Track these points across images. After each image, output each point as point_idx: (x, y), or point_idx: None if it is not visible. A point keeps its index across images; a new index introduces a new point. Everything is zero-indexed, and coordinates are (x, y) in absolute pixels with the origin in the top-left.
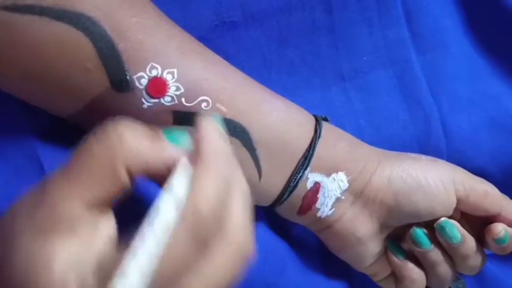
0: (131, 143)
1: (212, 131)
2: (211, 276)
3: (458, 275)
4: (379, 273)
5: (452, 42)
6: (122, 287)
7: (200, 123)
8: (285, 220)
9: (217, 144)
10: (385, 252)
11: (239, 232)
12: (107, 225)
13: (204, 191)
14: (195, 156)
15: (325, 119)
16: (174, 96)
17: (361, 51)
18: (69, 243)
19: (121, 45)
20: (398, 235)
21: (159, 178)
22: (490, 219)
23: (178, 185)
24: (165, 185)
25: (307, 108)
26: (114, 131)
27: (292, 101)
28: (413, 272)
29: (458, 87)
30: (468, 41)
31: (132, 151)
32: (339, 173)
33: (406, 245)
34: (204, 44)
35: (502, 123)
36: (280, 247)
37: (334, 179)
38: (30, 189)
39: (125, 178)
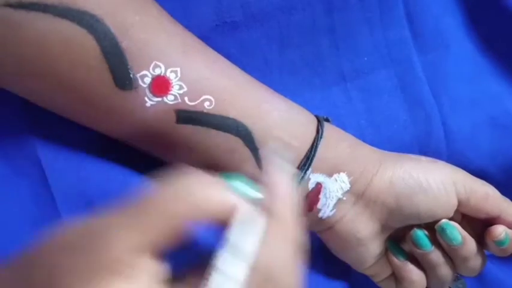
0: (198, 197)
1: (284, 184)
2: None
3: (458, 275)
4: (380, 274)
5: (453, 42)
6: None
7: (271, 172)
8: None
9: (290, 201)
10: (385, 253)
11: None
12: (159, 271)
13: (279, 255)
14: (265, 210)
15: (327, 120)
16: (177, 95)
17: (362, 51)
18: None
19: (124, 44)
20: (399, 236)
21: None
22: (490, 221)
23: (241, 239)
24: (228, 237)
25: (308, 108)
26: (181, 181)
27: (293, 101)
28: (413, 273)
29: (460, 88)
30: (469, 41)
31: (198, 206)
32: (341, 173)
33: (406, 246)
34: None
35: (502, 124)
36: None
37: (336, 180)
38: (72, 221)
39: (183, 228)
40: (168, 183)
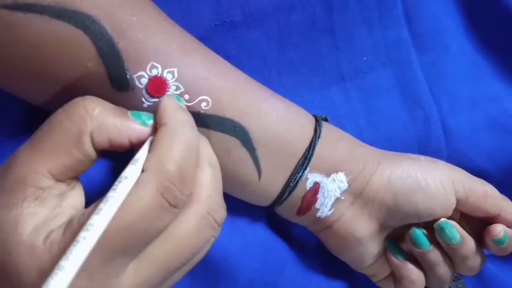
0: (97, 115)
1: (174, 105)
2: (179, 240)
3: (458, 275)
4: (379, 273)
5: (452, 42)
6: (85, 240)
7: (162, 100)
8: (285, 220)
9: (180, 115)
10: (384, 253)
11: (209, 199)
12: (74, 197)
13: (169, 151)
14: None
15: (325, 119)
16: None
17: (361, 51)
18: (35, 210)
19: (121, 44)
20: (398, 235)
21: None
22: (489, 220)
23: (143, 158)
24: (136, 157)
25: (307, 108)
26: (81, 104)
27: (292, 101)
28: (413, 272)
29: (459, 88)
30: (468, 41)
31: (97, 123)
32: (339, 173)
33: (405, 246)
34: (204, 44)
35: (502, 124)
36: (279, 247)
37: (334, 179)
38: None
39: (89, 148)
40: (71, 106)
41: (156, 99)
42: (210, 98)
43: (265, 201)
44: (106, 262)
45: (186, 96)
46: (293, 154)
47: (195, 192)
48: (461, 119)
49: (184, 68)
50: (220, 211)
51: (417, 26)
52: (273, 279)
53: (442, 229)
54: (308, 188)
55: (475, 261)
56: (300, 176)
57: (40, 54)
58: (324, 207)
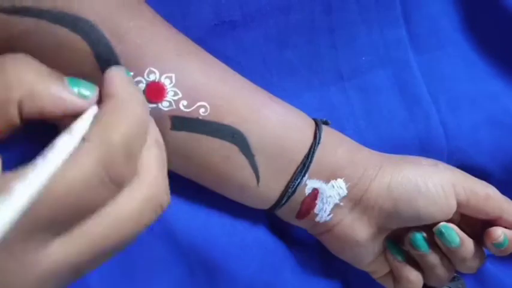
0: (29, 81)
1: (122, 77)
2: (117, 220)
3: (457, 275)
4: (379, 270)
5: (450, 42)
6: (5, 210)
7: (109, 72)
8: (283, 221)
9: (129, 88)
10: (384, 251)
11: (153, 181)
12: None
13: (117, 124)
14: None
15: (326, 123)
16: (172, 102)
17: (360, 51)
18: None
19: (119, 49)
20: (397, 235)
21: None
22: (490, 221)
23: (82, 129)
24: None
25: (306, 108)
26: (12, 66)
27: (292, 101)
28: (411, 273)
29: (457, 87)
30: (466, 41)
31: (29, 91)
32: (338, 179)
33: (405, 244)
34: (203, 45)
35: (501, 122)
36: (278, 247)
37: (333, 186)
38: None
39: (14, 117)
40: (2, 66)
41: (154, 105)
42: (208, 104)
43: (264, 206)
44: (26, 237)
45: (184, 102)
46: (292, 160)
47: (141, 172)
48: (460, 118)
49: (182, 73)
50: (165, 197)
51: (415, 26)
52: (271, 280)
53: (441, 233)
54: (307, 194)
55: (474, 262)
56: (299, 183)
57: (37, 59)
58: (323, 212)
